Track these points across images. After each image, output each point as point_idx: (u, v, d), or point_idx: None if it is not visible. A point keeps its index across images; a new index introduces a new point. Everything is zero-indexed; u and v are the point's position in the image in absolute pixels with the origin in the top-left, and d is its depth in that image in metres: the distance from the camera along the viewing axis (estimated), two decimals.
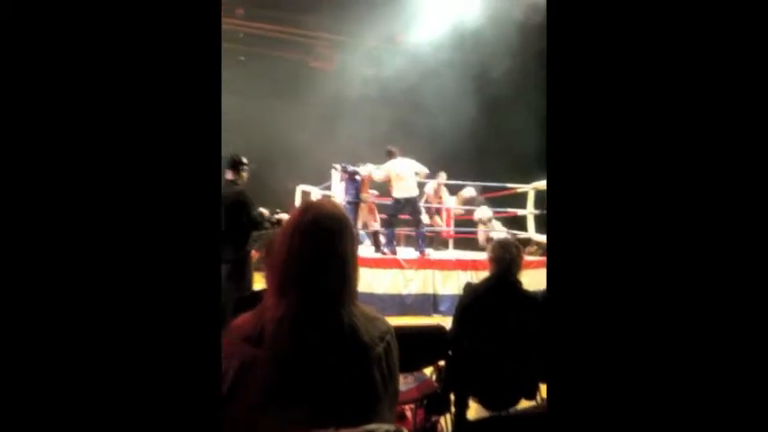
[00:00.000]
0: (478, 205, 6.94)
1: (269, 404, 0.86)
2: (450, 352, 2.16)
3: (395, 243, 6.05)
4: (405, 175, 5.70)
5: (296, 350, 0.88)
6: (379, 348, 0.96)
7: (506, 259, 2.37)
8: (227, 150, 2.59)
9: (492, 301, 2.16)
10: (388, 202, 6.20)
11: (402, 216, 6.14)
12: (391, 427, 0.85)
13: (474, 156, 9.51)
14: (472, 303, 2.18)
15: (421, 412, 2.08)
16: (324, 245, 0.94)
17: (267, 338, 0.89)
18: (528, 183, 6.92)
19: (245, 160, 3.63)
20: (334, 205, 1.07)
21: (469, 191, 7.10)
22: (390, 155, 5.86)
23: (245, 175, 3.63)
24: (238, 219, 3.39)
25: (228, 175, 3.58)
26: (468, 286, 2.36)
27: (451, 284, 5.58)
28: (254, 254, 3.61)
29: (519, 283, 2.23)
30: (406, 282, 5.46)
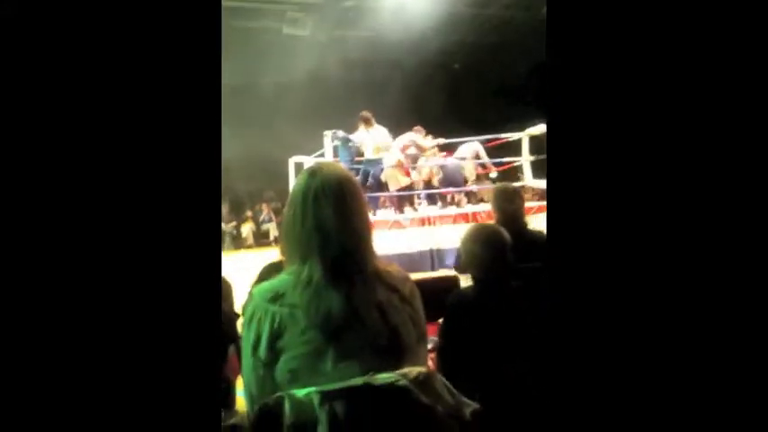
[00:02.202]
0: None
1: (312, 360, 0.90)
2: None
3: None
4: None
5: (328, 308, 0.92)
6: (406, 290, 1.01)
7: (510, 210, 2.43)
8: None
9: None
10: None
11: None
12: (423, 368, 0.89)
13: (466, 108, 9.49)
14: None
15: None
16: (336, 205, 0.96)
17: (298, 300, 0.93)
18: (521, 130, 6.92)
19: None
20: (339, 167, 1.08)
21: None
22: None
23: None
24: None
25: None
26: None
27: (454, 239, 5.65)
28: None
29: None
30: (408, 240, 5.54)
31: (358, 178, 6.12)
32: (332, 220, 0.95)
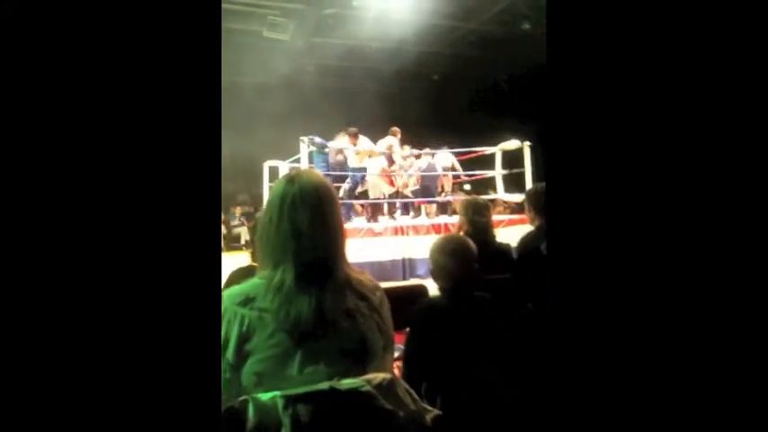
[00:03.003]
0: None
1: (279, 364, 0.91)
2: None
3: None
4: None
5: (298, 312, 0.93)
6: (375, 298, 1.03)
7: (480, 223, 2.50)
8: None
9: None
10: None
11: None
12: (387, 375, 0.90)
13: (443, 119, 9.59)
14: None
15: None
16: (312, 212, 0.98)
17: (269, 304, 0.94)
18: (495, 145, 7.02)
19: None
20: (317, 174, 1.10)
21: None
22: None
23: None
24: None
25: None
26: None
27: (425, 249, 5.68)
28: None
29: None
30: (381, 248, 5.56)
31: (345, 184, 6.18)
32: (307, 227, 0.97)
